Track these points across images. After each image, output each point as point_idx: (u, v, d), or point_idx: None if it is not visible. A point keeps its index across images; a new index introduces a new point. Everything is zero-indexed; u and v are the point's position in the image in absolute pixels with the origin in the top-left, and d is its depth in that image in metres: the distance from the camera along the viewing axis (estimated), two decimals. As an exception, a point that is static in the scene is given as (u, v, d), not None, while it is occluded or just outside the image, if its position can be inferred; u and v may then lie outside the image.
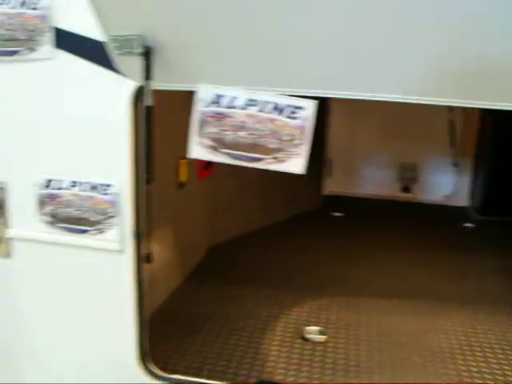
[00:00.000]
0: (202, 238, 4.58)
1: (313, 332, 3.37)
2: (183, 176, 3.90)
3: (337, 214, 6.10)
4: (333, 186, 6.61)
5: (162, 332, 3.09)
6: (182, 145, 3.57)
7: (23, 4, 2.45)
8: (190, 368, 2.98)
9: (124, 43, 2.17)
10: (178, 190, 3.89)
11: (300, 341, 3.30)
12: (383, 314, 3.65)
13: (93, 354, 2.84)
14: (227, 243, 4.87)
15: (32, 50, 2.48)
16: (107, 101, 2.43)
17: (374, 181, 6.62)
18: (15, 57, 2.51)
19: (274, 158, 2.22)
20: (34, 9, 2.43)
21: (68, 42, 2.43)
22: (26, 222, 2.69)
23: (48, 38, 2.44)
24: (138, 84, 2.33)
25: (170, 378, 2.78)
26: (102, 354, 2.82)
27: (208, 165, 4.29)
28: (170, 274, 3.83)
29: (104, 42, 2.31)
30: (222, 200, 4.69)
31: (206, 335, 3.36)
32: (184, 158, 3.84)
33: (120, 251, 2.54)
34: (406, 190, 6.60)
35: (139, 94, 2.37)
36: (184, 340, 3.30)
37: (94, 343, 2.82)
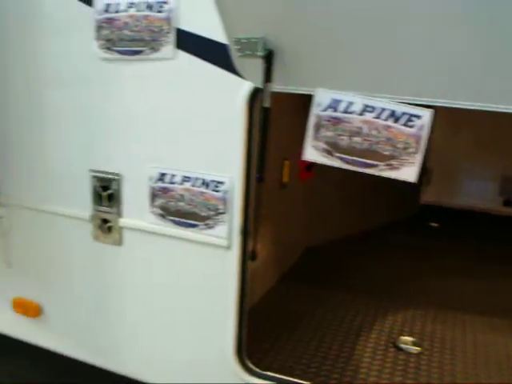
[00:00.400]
0: (299, 239, 4.62)
1: (407, 342, 3.32)
2: (286, 177, 3.96)
3: (433, 224, 5.97)
4: (431, 195, 6.47)
5: (256, 329, 3.14)
6: (286, 146, 3.65)
7: (150, 7, 2.57)
8: (283, 367, 3.02)
9: (246, 46, 2.23)
10: (281, 190, 3.95)
11: (393, 350, 3.27)
12: (481, 331, 3.54)
13: (190, 346, 2.94)
14: (322, 246, 4.89)
15: (155, 50, 2.60)
16: (224, 101, 2.50)
17: (474, 192, 6.41)
18: (139, 56, 2.65)
19: (388, 165, 2.22)
20: (160, 12, 2.55)
21: (189, 43, 2.53)
22: (138, 212, 2.83)
23: (171, 39, 2.55)
24: (255, 85, 2.38)
25: (264, 375, 2.83)
26: (200, 346, 2.91)
27: (309, 167, 4.33)
28: (267, 272, 3.90)
29: (225, 44, 2.38)
30: (319, 203, 4.71)
31: (299, 336, 3.39)
32: (287, 159, 3.94)
33: (227, 247, 2.61)
34: (508, 203, 6.34)
35: (255, 96, 2.44)
36: (278, 339, 3.34)
37: (192, 335, 2.92)
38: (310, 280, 4.26)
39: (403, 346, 3.29)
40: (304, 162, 4.24)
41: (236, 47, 2.26)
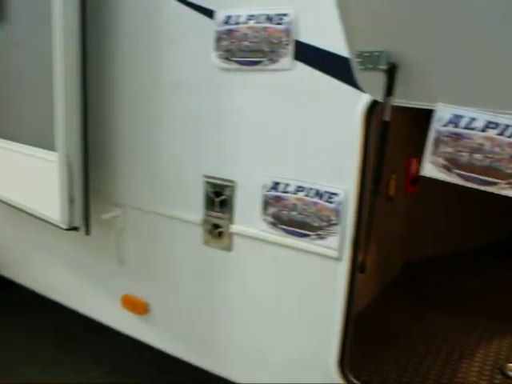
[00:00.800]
0: (399, 254, 4.55)
1: (515, 370, 3.19)
2: (392, 190, 3.93)
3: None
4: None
5: (356, 342, 3.12)
6: (393, 159, 3.61)
7: (269, 19, 2.63)
8: (383, 383, 2.98)
9: (368, 59, 2.23)
10: (386, 203, 3.92)
11: (500, 377, 3.14)
12: None
13: (293, 355, 2.97)
14: (422, 262, 4.78)
15: (273, 61, 2.65)
16: (340, 113, 2.52)
17: None
18: (257, 66, 2.71)
19: (509, 184, 2.15)
20: (279, 24, 2.61)
21: (307, 54, 2.57)
22: (250, 219, 2.89)
23: (289, 51, 2.60)
24: (374, 99, 2.38)
25: (365, 389, 2.81)
26: (302, 356, 2.93)
27: (414, 181, 4.27)
28: (368, 285, 3.86)
29: (344, 56, 2.39)
30: (421, 218, 4.62)
31: (400, 352, 3.34)
32: (394, 172, 3.90)
33: (337, 259, 2.62)
34: None
35: (372, 109, 2.43)
36: (378, 353, 3.30)
37: (295, 345, 2.94)
38: (410, 296, 4.18)
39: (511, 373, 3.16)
40: (410, 175, 4.23)
41: (357, 60, 2.26)
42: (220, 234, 3.00)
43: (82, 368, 4.30)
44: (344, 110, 2.51)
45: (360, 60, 2.26)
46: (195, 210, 3.08)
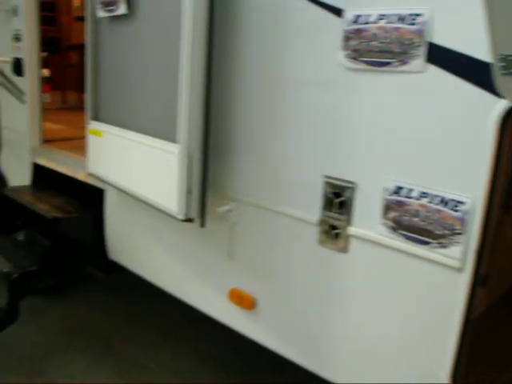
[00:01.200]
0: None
1: None
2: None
3: None
4: None
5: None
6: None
7: (401, 19, 2.57)
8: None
9: (512, 63, 2.14)
10: (503, 214, 3.74)
11: None
12: None
13: (403, 365, 2.89)
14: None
15: (404, 62, 2.59)
16: (473, 119, 2.42)
17: None
18: (386, 67, 2.66)
19: None
20: (412, 24, 2.54)
21: (441, 57, 2.48)
22: (368, 222, 2.84)
23: (421, 53, 2.52)
24: (510, 104, 2.28)
25: (477, 408, 2.70)
26: (413, 366, 2.85)
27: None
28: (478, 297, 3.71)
29: (481, 59, 2.30)
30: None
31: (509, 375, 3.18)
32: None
33: (459, 269, 2.52)
34: None
35: (509, 115, 2.32)
36: (486, 370, 3.16)
37: (406, 354, 2.86)
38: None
39: None
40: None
41: (501, 64, 2.17)
42: (337, 236, 2.97)
43: (178, 354, 4.45)
44: (476, 117, 2.40)
45: (503, 64, 2.17)
46: (312, 210, 3.06)
